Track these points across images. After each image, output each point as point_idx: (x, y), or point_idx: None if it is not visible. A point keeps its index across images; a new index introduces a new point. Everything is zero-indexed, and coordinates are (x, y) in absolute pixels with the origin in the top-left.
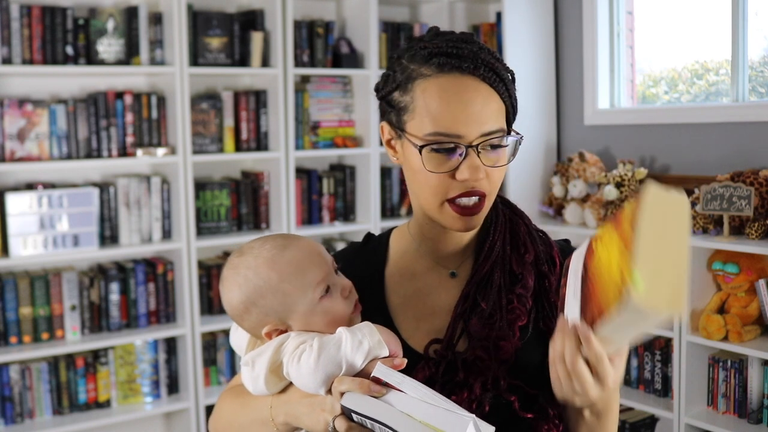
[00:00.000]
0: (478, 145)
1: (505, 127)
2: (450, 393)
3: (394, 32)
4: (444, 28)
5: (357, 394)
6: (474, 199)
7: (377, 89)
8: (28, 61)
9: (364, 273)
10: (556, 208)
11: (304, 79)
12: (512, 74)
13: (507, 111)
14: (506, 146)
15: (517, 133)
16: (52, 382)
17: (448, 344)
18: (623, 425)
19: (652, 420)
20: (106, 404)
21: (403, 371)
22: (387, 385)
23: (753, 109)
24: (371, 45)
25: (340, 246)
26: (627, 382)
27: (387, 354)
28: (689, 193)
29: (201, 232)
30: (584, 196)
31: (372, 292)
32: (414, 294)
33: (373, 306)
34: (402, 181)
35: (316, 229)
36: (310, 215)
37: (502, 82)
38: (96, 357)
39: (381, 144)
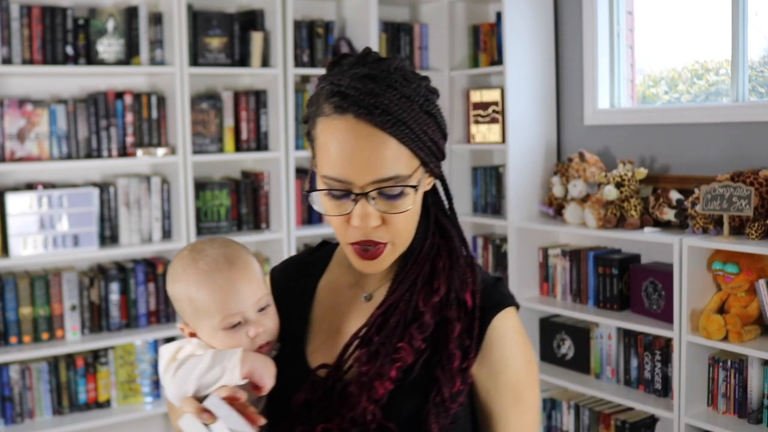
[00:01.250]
0: (368, 192)
1: (405, 172)
2: (324, 419)
3: (394, 32)
4: (444, 28)
5: (192, 417)
6: (371, 246)
7: (304, 122)
8: (28, 61)
9: (299, 283)
10: (556, 208)
11: (304, 79)
12: (426, 108)
13: (413, 152)
14: (406, 194)
15: (426, 166)
16: (52, 382)
17: (335, 371)
18: (623, 425)
19: (652, 420)
20: (106, 404)
21: (289, 388)
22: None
23: (753, 109)
24: (371, 45)
25: None
26: (627, 382)
27: (238, 383)
28: (689, 193)
29: (201, 232)
30: (584, 196)
31: (301, 302)
32: (332, 310)
33: (297, 316)
34: None
35: (315, 229)
36: (310, 215)
37: (404, 125)
38: (96, 357)
39: None
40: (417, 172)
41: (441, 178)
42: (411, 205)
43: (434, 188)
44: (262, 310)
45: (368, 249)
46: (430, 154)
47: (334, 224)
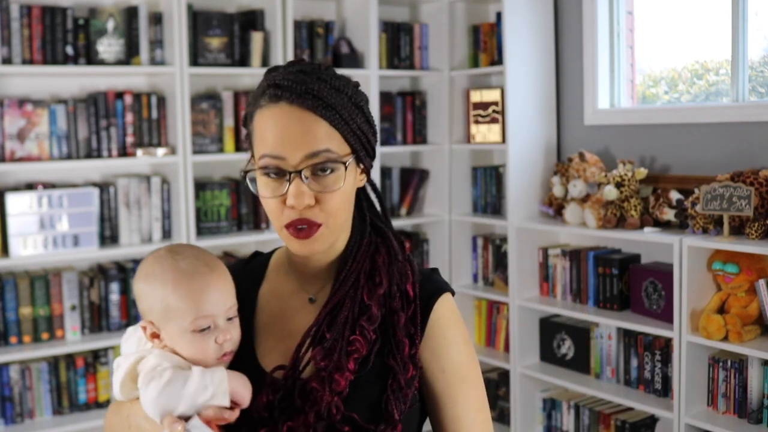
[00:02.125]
0: (301, 170)
1: (336, 150)
2: (287, 419)
3: (394, 32)
4: (444, 28)
5: None
6: (305, 225)
7: (244, 124)
8: (28, 61)
9: (239, 292)
10: (556, 208)
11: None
12: (356, 103)
13: (344, 137)
14: (337, 171)
15: (350, 156)
16: (52, 382)
17: (292, 371)
18: (623, 425)
19: (652, 420)
20: (106, 404)
21: (253, 394)
22: None
23: (753, 109)
24: (371, 45)
25: None
26: (627, 382)
27: (227, 405)
28: (689, 193)
29: (201, 232)
30: (584, 196)
31: (243, 310)
32: (277, 315)
33: (241, 324)
34: (402, 182)
35: None
36: None
37: (333, 110)
38: (96, 357)
39: (381, 144)
40: (348, 156)
41: (372, 183)
42: (342, 184)
43: (366, 193)
44: (230, 319)
45: (303, 228)
46: (360, 143)
47: (270, 209)
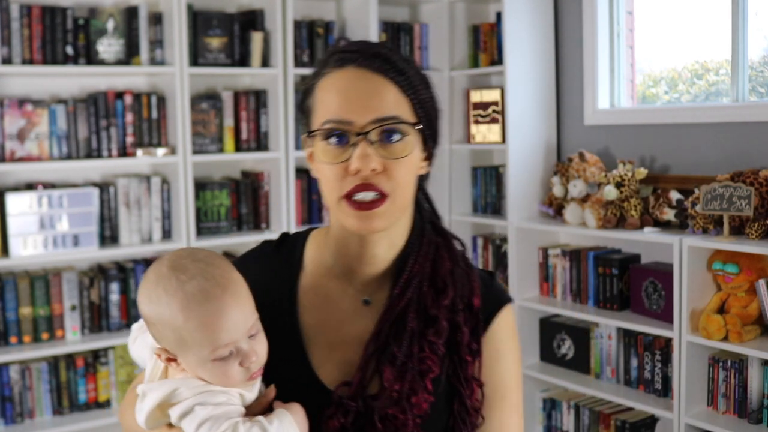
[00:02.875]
0: (368, 132)
1: (405, 118)
2: None
3: (394, 32)
4: (444, 28)
5: None
6: (370, 194)
7: (298, 107)
8: (28, 61)
9: (275, 285)
10: (556, 208)
11: (304, 79)
12: (425, 78)
13: (413, 107)
14: (406, 139)
15: (419, 126)
16: (52, 382)
17: (359, 389)
18: (623, 425)
19: (652, 420)
20: (106, 404)
21: (312, 410)
22: None
23: (753, 109)
24: None
25: None
26: (627, 382)
27: None
28: (689, 193)
29: (201, 232)
30: (584, 196)
31: (283, 311)
32: (328, 319)
33: (284, 327)
34: None
35: None
36: (310, 215)
37: (403, 75)
38: (96, 357)
39: None
40: (415, 131)
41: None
42: (410, 152)
43: (423, 188)
44: (252, 336)
45: (366, 200)
46: (427, 120)
47: (328, 178)
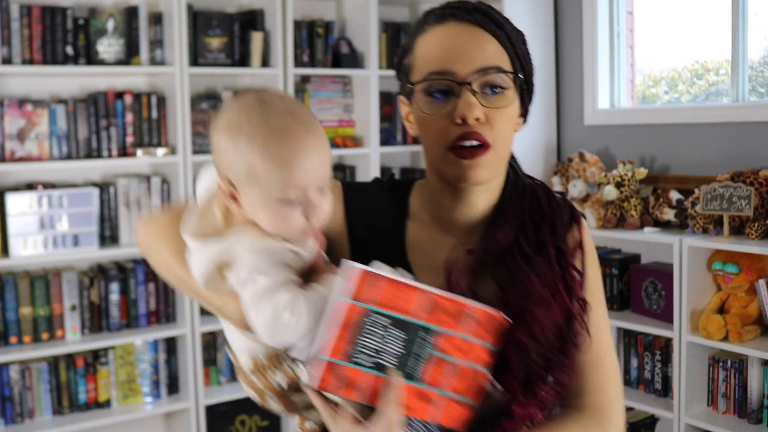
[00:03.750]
0: (471, 82)
1: (504, 67)
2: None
3: (394, 32)
4: None
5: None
6: (474, 142)
7: (395, 68)
8: (28, 61)
9: (385, 224)
10: None
11: (304, 79)
12: (521, 34)
13: (511, 60)
14: (506, 91)
15: (521, 78)
16: (52, 382)
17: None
18: None
19: (652, 420)
20: (106, 404)
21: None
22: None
23: (753, 109)
24: (371, 45)
25: None
26: (627, 382)
27: None
28: (689, 193)
29: None
30: (584, 196)
31: (393, 248)
32: (434, 267)
33: (395, 262)
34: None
35: None
36: None
37: (502, 29)
38: (96, 357)
39: (381, 144)
40: (514, 85)
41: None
42: (510, 103)
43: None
44: (321, 190)
45: (472, 147)
46: (524, 74)
47: (432, 131)
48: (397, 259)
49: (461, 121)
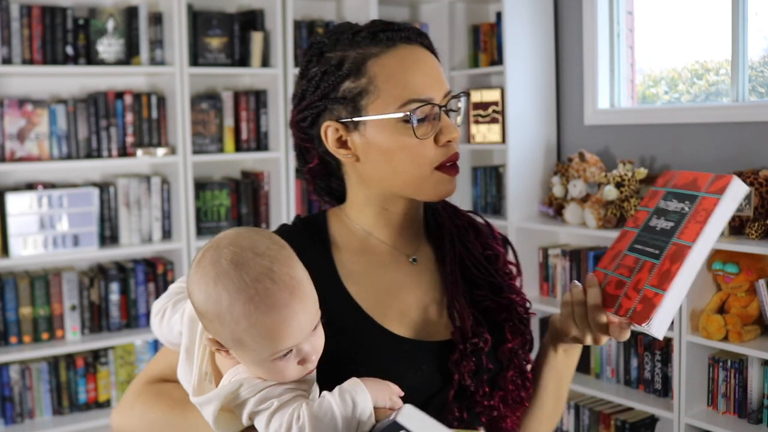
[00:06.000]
0: (445, 105)
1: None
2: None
3: None
4: (444, 28)
5: None
6: (456, 159)
7: (302, 95)
8: (28, 61)
9: (311, 262)
10: (556, 208)
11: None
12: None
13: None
14: (459, 109)
15: (463, 93)
16: (52, 382)
17: (462, 335)
18: (623, 425)
19: (652, 420)
20: (106, 404)
21: (397, 360)
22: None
23: (753, 109)
24: None
25: None
26: (627, 382)
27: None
28: None
29: (201, 232)
30: (584, 196)
31: (330, 285)
32: (376, 285)
33: (338, 298)
34: None
35: None
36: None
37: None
38: (96, 357)
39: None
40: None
41: None
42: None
43: None
44: (312, 330)
45: (454, 164)
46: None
47: (419, 154)
48: (337, 290)
49: (448, 142)
